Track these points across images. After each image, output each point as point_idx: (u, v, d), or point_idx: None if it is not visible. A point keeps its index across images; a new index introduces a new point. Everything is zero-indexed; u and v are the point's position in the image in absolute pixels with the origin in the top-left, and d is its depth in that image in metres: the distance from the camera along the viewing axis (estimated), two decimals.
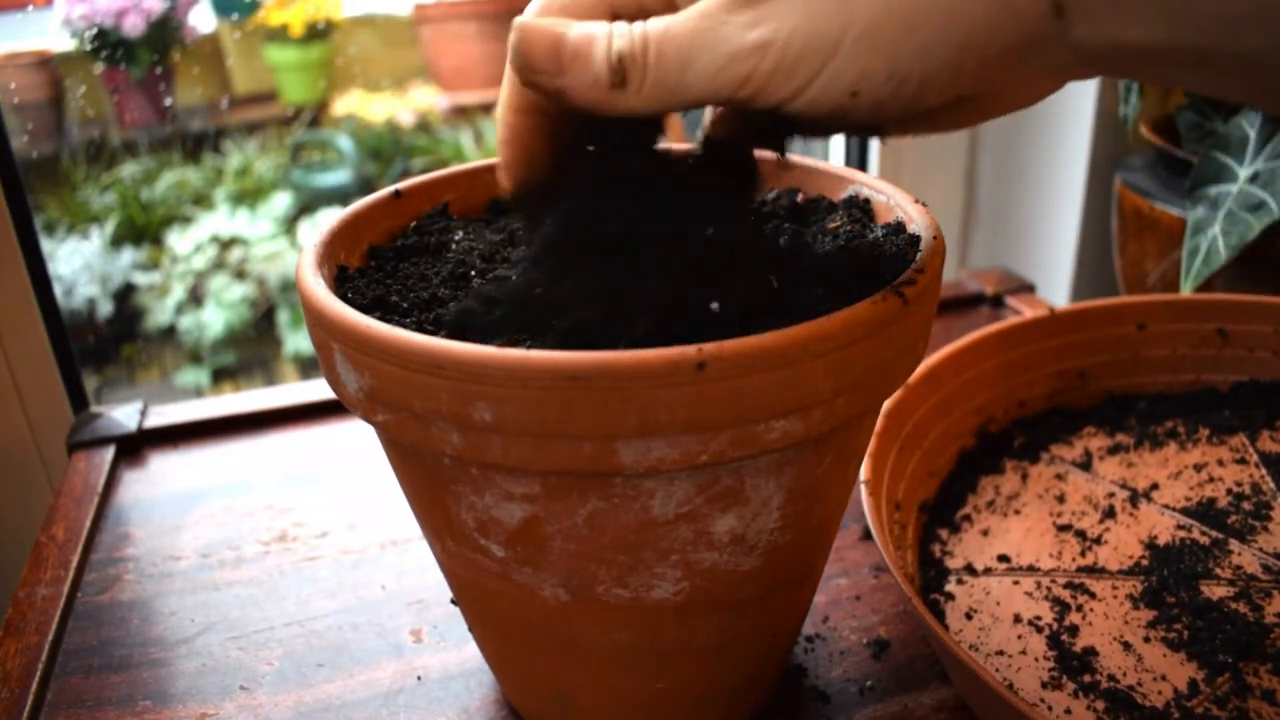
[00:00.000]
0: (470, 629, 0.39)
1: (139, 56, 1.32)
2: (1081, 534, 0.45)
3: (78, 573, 0.48)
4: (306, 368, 1.49)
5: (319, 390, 0.62)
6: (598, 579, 0.31)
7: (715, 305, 0.28)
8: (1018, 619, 0.41)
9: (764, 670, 0.37)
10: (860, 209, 0.38)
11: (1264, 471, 0.47)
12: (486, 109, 1.78)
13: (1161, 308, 0.54)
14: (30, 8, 1.22)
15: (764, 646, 0.36)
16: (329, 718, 0.40)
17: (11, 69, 1.29)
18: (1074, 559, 0.44)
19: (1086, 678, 0.38)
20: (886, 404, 0.45)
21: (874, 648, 0.42)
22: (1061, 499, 0.48)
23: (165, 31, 1.32)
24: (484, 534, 0.31)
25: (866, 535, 0.49)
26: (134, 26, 1.26)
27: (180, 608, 0.46)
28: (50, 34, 1.27)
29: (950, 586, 0.43)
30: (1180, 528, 0.45)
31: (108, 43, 1.28)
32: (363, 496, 0.54)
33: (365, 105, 1.65)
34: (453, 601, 0.42)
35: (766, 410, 0.27)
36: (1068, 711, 0.36)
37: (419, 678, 0.41)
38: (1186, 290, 0.61)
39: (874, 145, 0.89)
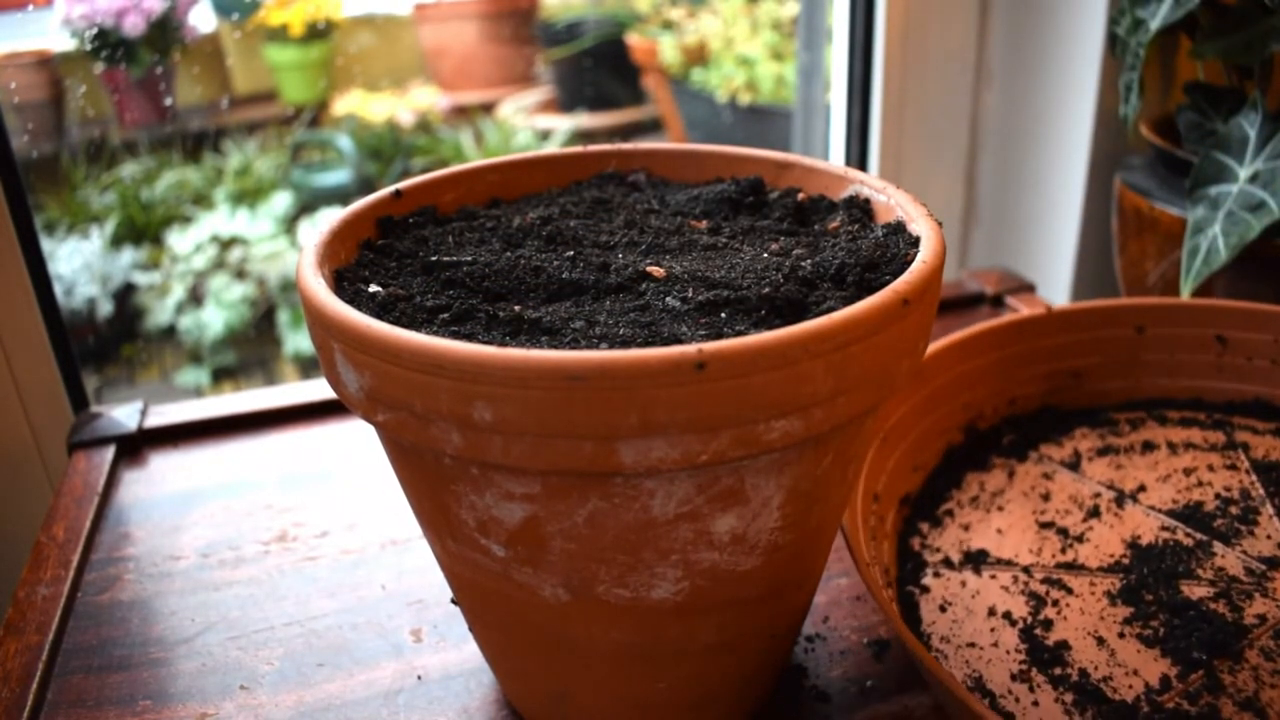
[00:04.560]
0: (470, 629, 0.39)
1: (139, 56, 1.32)
2: (1063, 531, 0.45)
3: (78, 573, 0.48)
4: (306, 368, 1.48)
5: (319, 390, 0.62)
6: (598, 579, 0.31)
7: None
8: (992, 612, 0.41)
9: (764, 670, 0.37)
10: (861, 209, 0.38)
11: (1254, 478, 0.47)
12: (487, 109, 1.78)
13: (1160, 311, 0.54)
14: (30, 8, 1.21)
15: (764, 646, 0.36)
16: (329, 718, 0.40)
17: (11, 69, 1.29)
18: (1054, 555, 0.44)
19: (1057, 670, 0.38)
20: None
21: (874, 648, 0.42)
22: (1046, 497, 0.48)
23: (165, 31, 1.32)
24: (484, 534, 0.31)
25: None
26: (134, 26, 1.26)
27: (180, 608, 0.46)
28: (50, 34, 1.26)
29: (926, 580, 0.43)
30: (1165, 529, 0.45)
31: (108, 43, 1.28)
32: (363, 496, 0.54)
33: (365, 105, 1.65)
34: (453, 601, 0.42)
35: (766, 410, 0.27)
36: (1035, 704, 0.36)
37: (419, 677, 0.41)
38: (1186, 290, 0.61)
39: (874, 146, 0.89)
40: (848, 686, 0.40)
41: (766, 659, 0.37)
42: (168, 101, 1.47)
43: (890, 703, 0.39)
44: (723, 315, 0.30)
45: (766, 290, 0.31)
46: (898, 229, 0.35)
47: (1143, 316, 0.54)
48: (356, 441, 0.59)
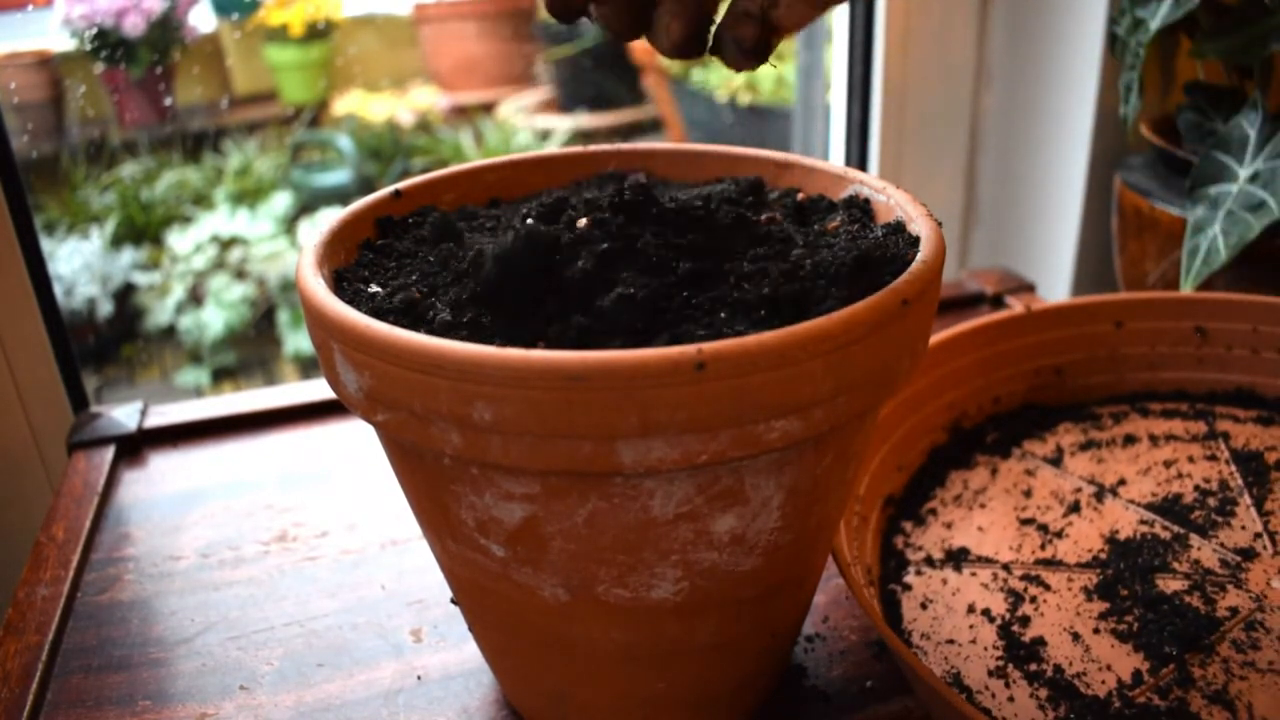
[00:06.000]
0: (470, 629, 0.39)
1: (139, 56, 1.32)
2: (1044, 528, 0.46)
3: (78, 573, 0.48)
4: (306, 368, 1.48)
5: (319, 390, 0.62)
6: (598, 579, 0.31)
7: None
8: (971, 609, 0.41)
9: (764, 670, 0.37)
10: (860, 209, 0.38)
11: (1234, 468, 0.47)
12: (487, 109, 1.78)
13: (1138, 306, 0.54)
14: (30, 8, 1.21)
15: (764, 646, 0.36)
16: (329, 718, 0.40)
17: (11, 69, 1.29)
18: (1033, 552, 0.44)
19: (1032, 666, 0.38)
20: None
21: (874, 648, 0.42)
22: (1028, 494, 0.48)
23: (165, 31, 1.32)
24: (484, 534, 0.31)
25: None
26: (134, 26, 1.26)
27: (180, 608, 0.46)
28: (50, 34, 1.26)
29: (909, 578, 0.44)
30: (1143, 522, 0.45)
31: (108, 43, 1.28)
32: (363, 496, 0.54)
33: (365, 105, 1.65)
34: (453, 601, 0.42)
35: (766, 410, 0.27)
36: (1011, 700, 0.37)
37: (419, 678, 0.41)
38: (1187, 290, 0.61)
39: (874, 146, 0.89)
40: (848, 686, 0.40)
41: (766, 659, 0.37)
42: (168, 101, 1.47)
43: (890, 703, 0.39)
44: (722, 315, 0.30)
45: (766, 290, 0.31)
46: (897, 229, 0.35)
47: (1120, 312, 0.54)
48: (356, 441, 0.59)
